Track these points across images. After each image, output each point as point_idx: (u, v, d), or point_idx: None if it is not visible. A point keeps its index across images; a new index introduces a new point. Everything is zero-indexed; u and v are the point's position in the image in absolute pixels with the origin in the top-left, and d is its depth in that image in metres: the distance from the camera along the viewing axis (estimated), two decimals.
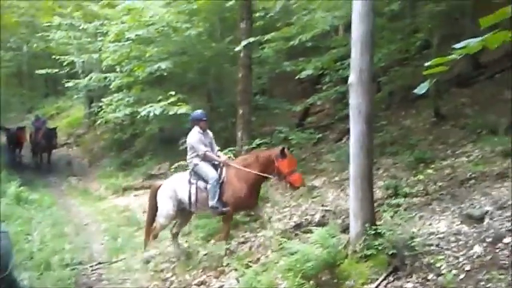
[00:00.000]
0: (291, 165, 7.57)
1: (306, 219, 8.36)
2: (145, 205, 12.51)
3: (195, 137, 7.92)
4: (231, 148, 10.55)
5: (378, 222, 5.94)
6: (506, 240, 4.93)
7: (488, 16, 1.93)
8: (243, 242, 8.11)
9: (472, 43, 2.21)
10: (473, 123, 9.50)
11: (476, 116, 9.81)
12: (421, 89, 2.38)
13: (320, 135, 12.23)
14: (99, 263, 8.48)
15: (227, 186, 7.70)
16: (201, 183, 7.79)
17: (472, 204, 6.30)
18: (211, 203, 7.61)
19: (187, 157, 8.06)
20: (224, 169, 7.82)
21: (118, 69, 15.32)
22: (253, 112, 12.38)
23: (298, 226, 7.95)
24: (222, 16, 14.08)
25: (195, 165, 7.86)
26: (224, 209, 7.64)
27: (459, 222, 5.96)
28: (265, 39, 11.25)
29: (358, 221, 5.78)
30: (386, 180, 8.47)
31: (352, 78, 5.85)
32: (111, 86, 15.26)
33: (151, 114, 12.46)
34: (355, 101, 5.84)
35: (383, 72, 12.00)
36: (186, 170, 10.44)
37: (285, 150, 7.61)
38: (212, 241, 8.26)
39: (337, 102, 13.47)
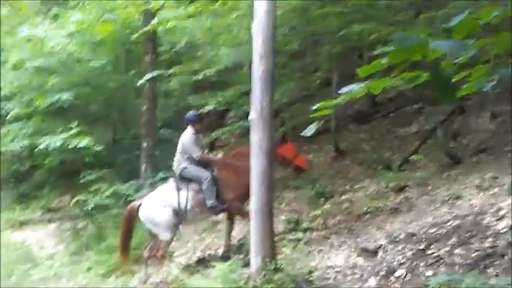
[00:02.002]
0: (294, 149, 7.81)
1: (209, 254, 8.33)
2: (44, 240, 12.13)
3: (190, 138, 7.63)
4: (134, 181, 10.35)
5: (278, 257, 6.03)
6: (397, 273, 5.14)
7: (365, 66, 2.07)
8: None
9: (356, 88, 2.34)
10: (370, 158, 9.94)
11: (372, 152, 10.27)
12: (309, 130, 2.47)
13: None
14: None
15: (223, 182, 7.51)
16: (194, 186, 7.49)
17: (367, 238, 6.55)
18: (210, 202, 7.37)
19: (175, 160, 7.75)
20: (215, 167, 7.67)
21: (17, 99, 14.69)
22: (158, 145, 12.23)
23: (201, 261, 7.88)
24: (126, 48, 13.93)
25: (184, 168, 7.58)
26: (224, 206, 7.49)
27: (355, 256, 6.17)
28: (169, 73, 11.24)
29: (258, 255, 5.84)
30: (288, 214, 8.64)
31: (253, 115, 5.97)
32: (8, 116, 14.58)
33: (51, 146, 11.99)
34: (257, 137, 5.96)
35: (286, 108, 12.31)
36: (87, 205, 10.21)
37: (285, 136, 7.98)
38: (113, 277, 8.02)
39: (242, 137, 13.61)
